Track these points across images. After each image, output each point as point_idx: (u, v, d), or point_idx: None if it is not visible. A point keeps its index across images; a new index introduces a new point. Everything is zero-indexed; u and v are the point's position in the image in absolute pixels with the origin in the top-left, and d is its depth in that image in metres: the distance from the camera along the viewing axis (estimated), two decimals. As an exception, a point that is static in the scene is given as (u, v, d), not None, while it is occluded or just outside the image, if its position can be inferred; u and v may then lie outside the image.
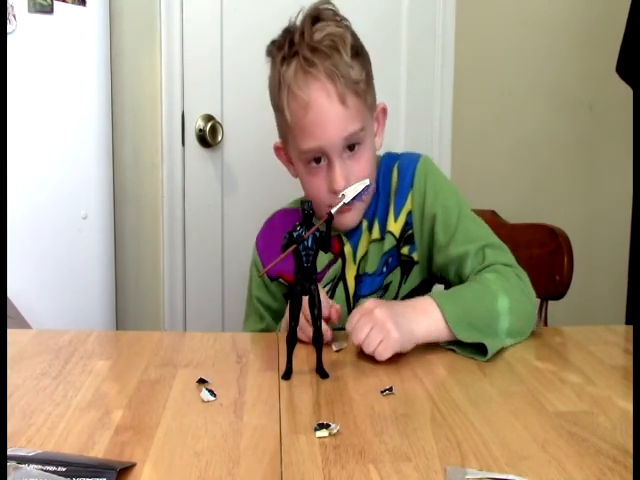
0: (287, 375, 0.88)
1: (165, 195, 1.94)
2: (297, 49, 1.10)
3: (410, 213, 1.18)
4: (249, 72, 1.93)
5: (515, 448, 0.69)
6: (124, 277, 1.93)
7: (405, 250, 1.18)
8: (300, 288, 0.88)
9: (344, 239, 1.20)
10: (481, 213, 1.20)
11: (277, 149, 1.23)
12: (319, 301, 0.89)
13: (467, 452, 0.68)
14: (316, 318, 0.89)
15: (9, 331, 1.00)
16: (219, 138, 1.92)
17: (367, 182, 0.93)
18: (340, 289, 1.20)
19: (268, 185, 1.91)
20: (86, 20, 1.71)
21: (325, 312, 0.97)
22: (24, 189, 1.65)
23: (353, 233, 1.20)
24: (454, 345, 0.98)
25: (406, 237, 1.18)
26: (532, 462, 0.66)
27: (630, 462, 0.66)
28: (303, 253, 0.87)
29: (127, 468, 0.64)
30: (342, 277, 1.20)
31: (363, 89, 1.12)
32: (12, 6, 1.59)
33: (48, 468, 0.61)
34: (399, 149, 1.31)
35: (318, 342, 0.89)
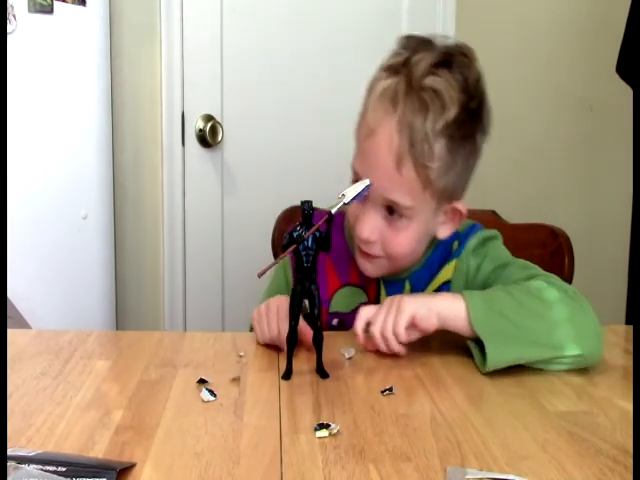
0: (287, 375, 0.88)
1: (165, 195, 1.94)
2: (403, 70, 0.96)
3: (447, 283, 1.07)
4: (249, 72, 1.95)
5: (515, 448, 0.69)
6: (124, 277, 1.93)
7: None
8: (300, 288, 0.88)
9: (382, 288, 1.09)
10: (481, 213, 1.19)
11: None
12: (319, 301, 0.89)
13: (467, 452, 0.68)
14: (316, 318, 0.89)
15: (9, 331, 1.00)
16: (219, 138, 1.92)
17: (367, 182, 0.86)
18: None
19: (268, 185, 1.91)
20: (86, 20, 1.71)
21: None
22: (24, 189, 1.65)
23: (394, 287, 1.08)
24: (473, 343, 0.92)
25: None
26: (532, 462, 0.66)
27: (630, 462, 0.66)
28: (303, 253, 0.87)
29: (127, 468, 0.64)
30: None
31: (431, 177, 0.95)
32: (12, 6, 1.59)
33: (48, 468, 0.61)
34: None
35: (318, 342, 0.89)
